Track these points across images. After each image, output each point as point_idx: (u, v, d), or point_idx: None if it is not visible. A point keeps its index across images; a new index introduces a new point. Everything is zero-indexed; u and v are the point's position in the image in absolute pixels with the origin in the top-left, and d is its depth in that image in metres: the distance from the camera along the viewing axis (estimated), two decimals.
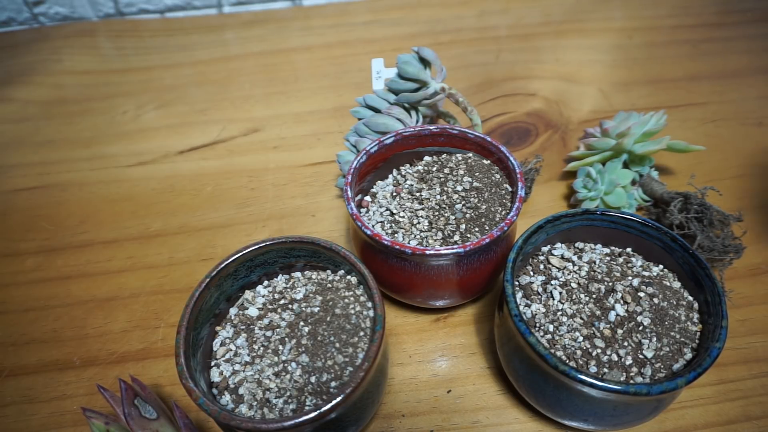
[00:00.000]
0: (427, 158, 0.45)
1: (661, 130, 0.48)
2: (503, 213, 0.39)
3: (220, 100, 0.67)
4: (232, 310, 0.36)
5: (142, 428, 0.31)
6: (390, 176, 0.44)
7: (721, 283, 0.42)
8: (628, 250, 0.38)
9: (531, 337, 0.30)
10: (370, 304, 0.35)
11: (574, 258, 0.37)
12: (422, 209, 0.40)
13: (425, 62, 0.46)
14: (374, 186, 0.44)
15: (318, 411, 0.27)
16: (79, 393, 0.40)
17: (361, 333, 0.33)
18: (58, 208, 0.54)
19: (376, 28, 0.79)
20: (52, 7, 0.84)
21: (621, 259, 0.37)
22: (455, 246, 0.34)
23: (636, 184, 0.49)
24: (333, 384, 0.31)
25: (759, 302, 0.42)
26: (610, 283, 0.35)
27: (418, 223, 0.39)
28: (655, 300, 0.34)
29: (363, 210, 0.42)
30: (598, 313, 0.34)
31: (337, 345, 0.32)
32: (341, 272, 0.37)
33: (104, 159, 0.60)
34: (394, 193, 0.42)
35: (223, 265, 0.34)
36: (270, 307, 0.36)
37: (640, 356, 0.31)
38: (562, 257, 0.37)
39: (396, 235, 0.39)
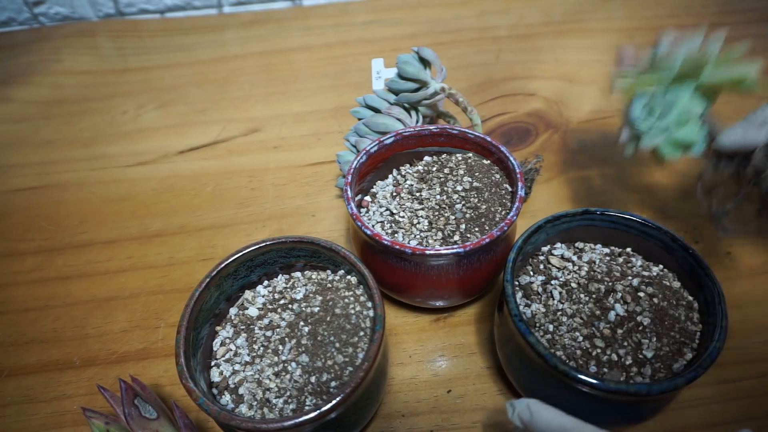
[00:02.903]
0: (427, 158, 0.45)
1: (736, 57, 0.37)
2: (503, 213, 0.39)
3: (220, 100, 0.67)
4: (232, 310, 0.36)
5: (142, 428, 0.31)
6: (390, 176, 0.44)
7: None
8: (628, 250, 0.38)
9: (531, 337, 0.30)
10: (370, 304, 0.35)
11: (574, 258, 0.37)
12: (422, 209, 0.40)
13: (425, 62, 0.46)
14: (374, 186, 0.44)
15: (318, 411, 0.27)
16: (79, 393, 0.40)
17: (361, 333, 0.33)
18: (57, 208, 0.54)
19: (376, 28, 0.79)
20: (52, 7, 0.84)
21: (621, 259, 0.37)
22: (455, 246, 0.34)
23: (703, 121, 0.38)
24: (333, 384, 0.31)
25: (759, 302, 0.42)
26: (610, 283, 0.35)
27: (418, 223, 0.39)
28: (655, 300, 0.34)
29: (363, 210, 0.42)
30: (597, 313, 0.34)
31: (337, 345, 0.32)
32: (341, 272, 0.37)
33: (104, 159, 0.60)
34: (394, 193, 0.42)
35: (223, 265, 0.34)
36: (270, 307, 0.36)
37: (640, 356, 0.31)
38: (562, 257, 0.37)
39: (396, 235, 0.39)
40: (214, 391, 0.32)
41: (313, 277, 0.37)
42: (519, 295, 0.35)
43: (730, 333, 0.40)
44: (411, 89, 0.46)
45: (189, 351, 0.31)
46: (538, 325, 0.34)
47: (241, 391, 0.31)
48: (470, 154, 0.44)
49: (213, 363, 0.33)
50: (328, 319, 0.34)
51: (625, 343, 0.32)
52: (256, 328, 0.34)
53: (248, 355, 0.33)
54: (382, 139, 0.42)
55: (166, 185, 0.56)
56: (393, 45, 0.75)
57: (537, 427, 0.26)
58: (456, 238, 0.38)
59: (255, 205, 0.53)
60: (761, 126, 0.36)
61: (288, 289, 0.37)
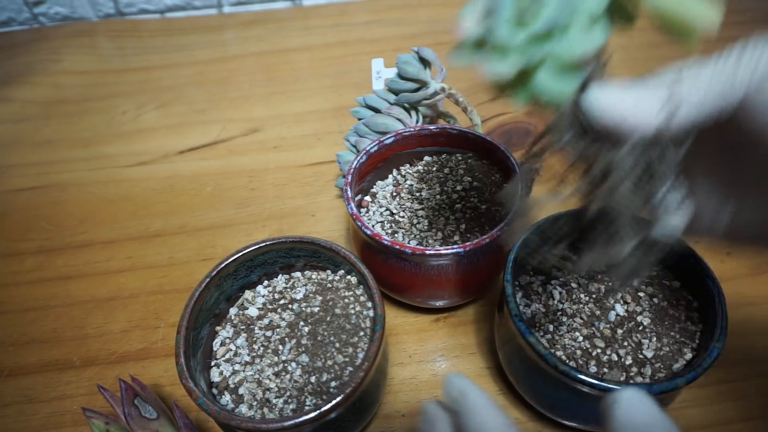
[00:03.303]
0: (427, 158, 0.45)
1: None
2: (503, 213, 0.39)
3: (220, 100, 0.67)
4: (232, 310, 0.36)
5: (142, 428, 0.31)
6: (390, 176, 0.44)
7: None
8: None
9: (531, 337, 0.29)
10: (370, 304, 0.35)
11: (575, 258, 0.37)
12: (422, 209, 0.40)
13: (425, 62, 0.46)
14: (374, 186, 0.44)
15: (318, 411, 0.27)
16: (79, 393, 0.40)
17: (361, 333, 0.33)
18: (57, 208, 0.54)
19: (376, 28, 0.79)
20: (52, 7, 0.84)
21: None
22: (455, 246, 0.34)
23: None
24: (333, 384, 0.31)
25: (759, 302, 0.42)
26: (610, 283, 0.35)
27: (418, 223, 0.39)
28: (655, 300, 0.34)
29: (363, 210, 0.42)
30: (597, 313, 0.34)
31: (337, 345, 0.32)
32: (341, 272, 0.37)
33: (103, 159, 0.60)
34: (394, 193, 0.42)
35: (223, 265, 0.34)
36: (270, 307, 0.36)
37: (640, 356, 0.31)
38: (562, 257, 0.37)
39: (396, 235, 0.39)
40: (214, 391, 0.32)
41: (313, 277, 0.37)
42: (519, 295, 0.35)
43: (730, 333, 0.40)
44: (411, 89, 0.46)
45: (189, 351, 0.31)
46: (538, 325, 0.34)
47: (241, 391, 0.31)
48: (470, 154, 0.44)
49: (213, 363, 0.33)
50: (328, 319, 0.34)
51: (625, 343, 0.32)
52: (256, 328, 0.34)
53: (248, 355, 0.33)
54: (382, 139, 0.42)
55: (166, 185, 0.56)
56: (393, 45, 0.75)
57: (463, 411, 0.20)
58: (456, 238, 0.38)
59: (255, 205, 0.53)
60: (664, 100, 0.21)
61: (288, 289, 0.37)
